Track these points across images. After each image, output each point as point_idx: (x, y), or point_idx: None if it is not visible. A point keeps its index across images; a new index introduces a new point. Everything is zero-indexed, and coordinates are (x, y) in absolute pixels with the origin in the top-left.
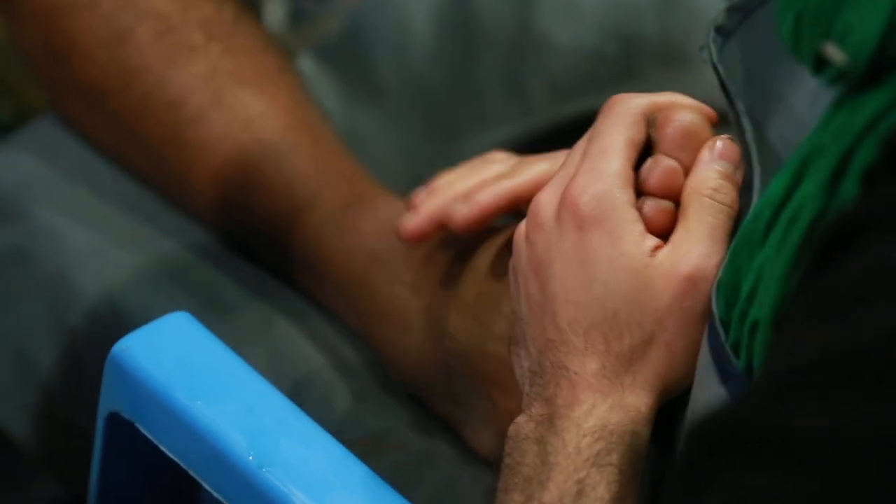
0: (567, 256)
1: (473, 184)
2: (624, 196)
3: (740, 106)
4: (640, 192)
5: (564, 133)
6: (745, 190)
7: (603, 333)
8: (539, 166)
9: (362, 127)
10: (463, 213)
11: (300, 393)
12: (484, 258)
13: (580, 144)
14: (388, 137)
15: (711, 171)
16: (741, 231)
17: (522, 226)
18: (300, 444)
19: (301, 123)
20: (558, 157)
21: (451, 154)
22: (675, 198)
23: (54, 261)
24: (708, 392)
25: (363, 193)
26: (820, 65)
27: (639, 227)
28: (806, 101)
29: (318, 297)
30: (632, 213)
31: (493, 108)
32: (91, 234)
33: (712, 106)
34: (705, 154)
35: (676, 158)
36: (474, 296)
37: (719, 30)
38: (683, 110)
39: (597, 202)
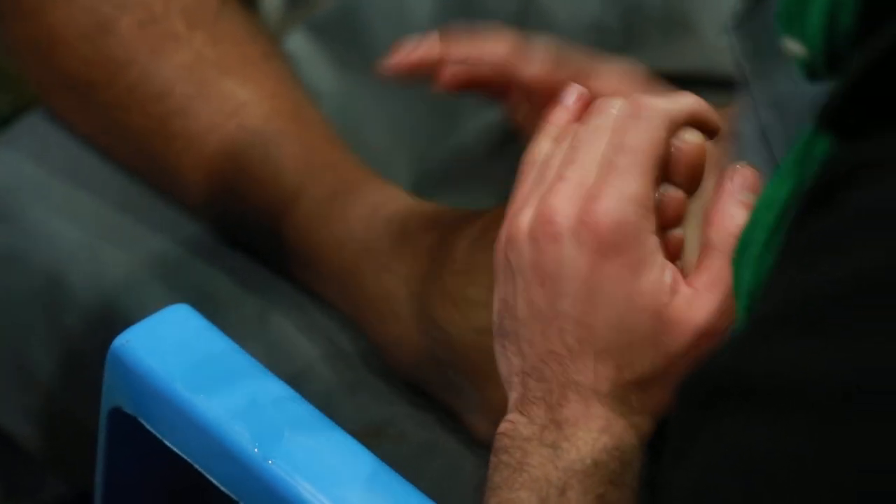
0: (582, 278)
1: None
2: (648, 225)
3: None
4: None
5: None
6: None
7: (615, 360)
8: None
9: (357, 105)
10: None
11: (298, 385)
12: (465, 246)
13: (587, 134)
14: (384, 116)
15: (739, 207)
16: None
17: (521, 221)
18: (305, 435)
19: (288, 111)
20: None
21: (449, 133)
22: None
23: (48, 260)
24: None
25: (352, 181)
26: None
27: (660, 260)
28: (800, 97)
29: (311, 286)
30: (654, 243)
31: None
32: (84, 231)
33: (714, 73)
34: (728, 185)
35: (681, 185)
36: (457, 286)
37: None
38: (688, 133)
39: (620, 228)
